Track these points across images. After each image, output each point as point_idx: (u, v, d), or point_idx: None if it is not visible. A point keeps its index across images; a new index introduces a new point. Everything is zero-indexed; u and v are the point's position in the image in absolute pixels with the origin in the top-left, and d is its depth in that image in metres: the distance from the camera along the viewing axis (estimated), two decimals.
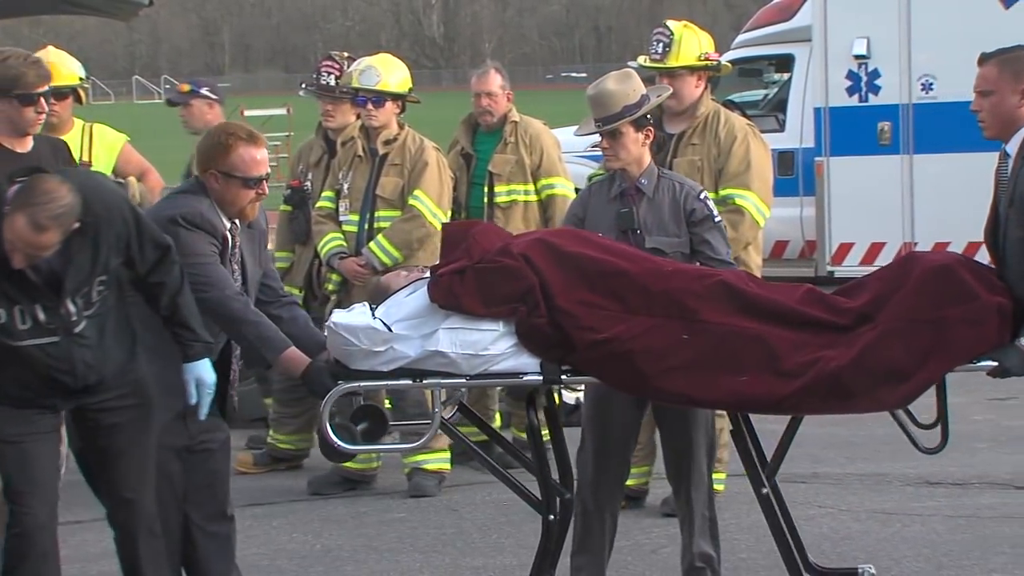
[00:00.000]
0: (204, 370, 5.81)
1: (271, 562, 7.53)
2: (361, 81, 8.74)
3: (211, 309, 5.92)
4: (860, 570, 6.34)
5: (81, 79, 8.74)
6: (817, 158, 14.27)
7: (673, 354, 5.77)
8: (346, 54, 9.41)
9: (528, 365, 5.84)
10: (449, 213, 8.86)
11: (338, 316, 5.86)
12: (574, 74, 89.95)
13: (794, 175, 14.54)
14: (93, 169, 8.22)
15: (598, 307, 5.86)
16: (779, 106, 15.28)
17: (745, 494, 8.33)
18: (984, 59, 5.99)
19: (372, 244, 8.64)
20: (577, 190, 9.12)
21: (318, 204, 9.01)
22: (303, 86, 9.55)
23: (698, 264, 6.60)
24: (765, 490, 6.18)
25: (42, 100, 6.39)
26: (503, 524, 8.00)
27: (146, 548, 5.76)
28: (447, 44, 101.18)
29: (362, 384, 5.83)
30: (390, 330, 5.75)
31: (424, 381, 5.81)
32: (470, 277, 5.76)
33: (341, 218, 8.88)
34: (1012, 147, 5.87)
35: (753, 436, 6.23)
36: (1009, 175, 5.85)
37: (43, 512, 5.69)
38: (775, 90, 15.96)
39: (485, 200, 9.17)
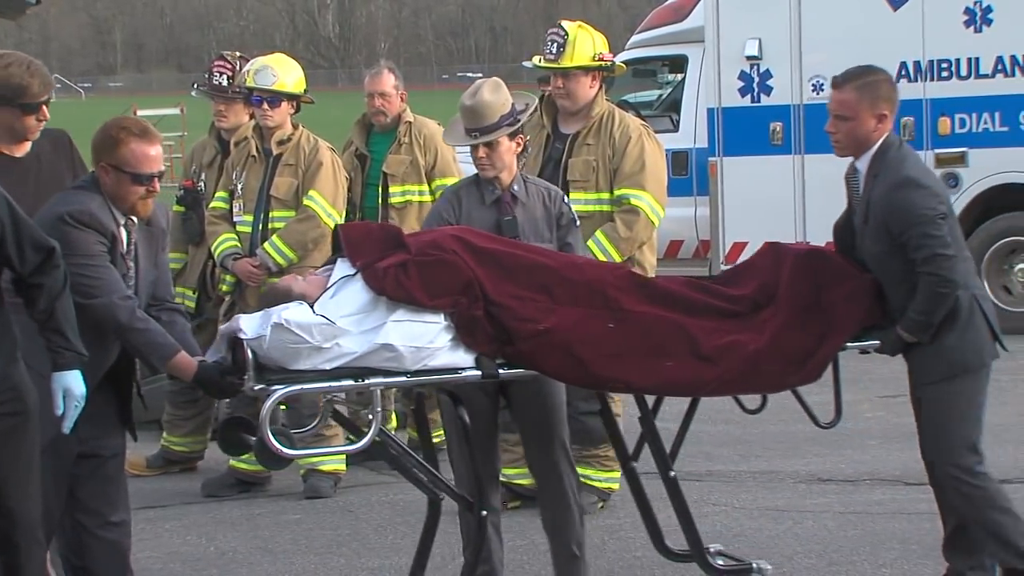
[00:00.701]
0: (73, 381, 5.51)
1: (164, 565, 7.47)
2: (256, 81, 8.68)
3: (97, 315, 5.80)
4: (755, 565, 6.46)
5: None
6: (711, 158, 14.34)
7: (605, 342, 5.91)
8: (239, 54, 9.35)
9: (463, 360, 5.89)
10: (344, 214, 8.83)
11: (288, 313, 5.78)
12: (469, 74, 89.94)
13: (688, 175, 14.61)
14: None
15: (529, 299, 5.98)
16: (673, 106, 15.33)
17: None
18: (840, 83, 6.27)
19: (266, 245, 8.59)
20: None
21: (211, 204, 8.95)
22: (195, 86, 9.48)
23: None
24: (673, 474, 6.37)
25: (44, 108, 6.25)
26: (399, 524, 7.99)
27: (28, 557, 5.65)
28: (342, 44, 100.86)
29: (305, 387, 5.75)
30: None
31: (366, 381, 5.77)
32: (413, 270, 5.81)
33: (235, 219, 8.82)
34: (862, 164, 6.31)
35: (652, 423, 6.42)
36: (861, 192, 6.28)
37: None
38: (669, 91, 15.99)
39: (379, 200, 9.16)
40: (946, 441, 6.21)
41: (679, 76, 15.46)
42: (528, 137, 8.17)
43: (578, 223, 6.84)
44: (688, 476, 8.12)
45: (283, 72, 8.71)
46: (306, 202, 8.64)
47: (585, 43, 8.19)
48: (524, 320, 5.92)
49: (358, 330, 5.78)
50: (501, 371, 5.97)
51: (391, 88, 9.13)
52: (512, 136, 6.70)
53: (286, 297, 5.98)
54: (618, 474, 8.33)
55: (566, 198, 6.91)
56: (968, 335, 6.19)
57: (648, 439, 6.44)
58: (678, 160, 14.24)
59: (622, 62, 8.85)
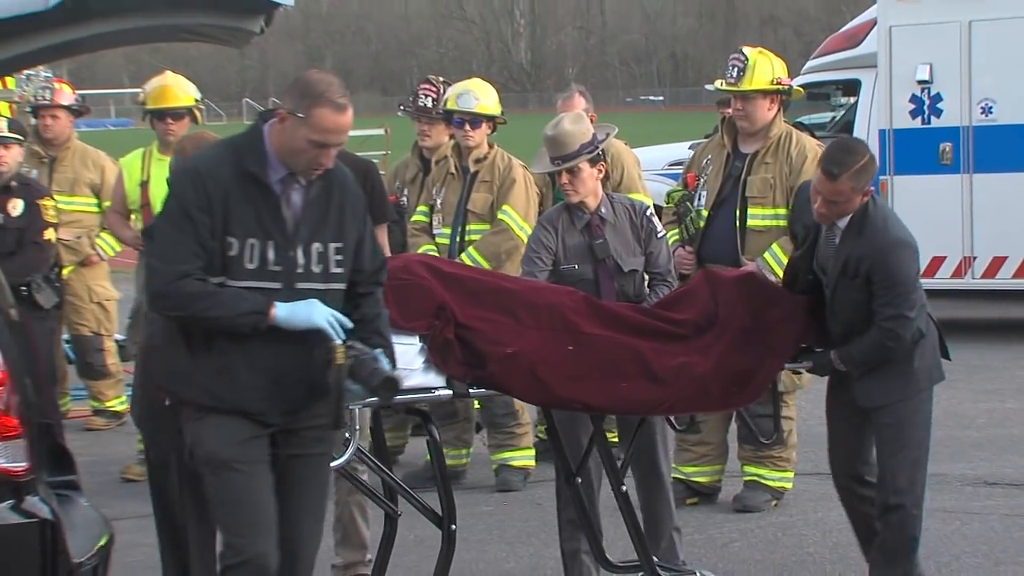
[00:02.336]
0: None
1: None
2: (459, 104, 8.78)
3: None
4: (699, 574, 6.50)
5: (197, 101, 8.83)
6: (882, 176, 14.10)
7: (566, 364, 5.79)
8: (442, 78, 9.43)
9: (436, 380, 5.80)
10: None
11: None
12: (651, 97, 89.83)
13: None
14: None
15: (496, 322, 5.88)
16: (846, 128, 15.14)
17: (811, 492, 8.32)
18: (836, 175, 6.01)
19: (464, 255, 8.65)
20: (656, 207, 9.10)
21: (413, 218, 9.04)
22: (401, 107, 9.58)
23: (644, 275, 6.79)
24: (624, 488, 6.31)
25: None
26: None
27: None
28: (533, 70, 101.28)
29: None
30: None
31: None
32: (388, 294, 5.56)
33: (435, 231, 8.90)
34: (842, 223, 6.16)
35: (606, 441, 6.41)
36: (839, 246, 6.16)
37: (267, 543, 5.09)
38: (842, 113, 15.83)
39: None
40: (895, 464, 6.14)
41: (852, 99, 15.29)
42: (708, 156, 8.16)
43: (660, 234, 6.88)
44: None
45: (483, 95, 8.80)
46: (500, 216, 8.69)
47: (764, 68, 8.13)
48: (494, 343, 5.82)
49: None
50: (471, 390, 5.90)
51: (581, 110, 9.12)
52: (593, 163, 6.72)
53: None
54: (791, 474, 8.26)
55: (650, 210, 6.92)
56: (906, 361, 6.17)
57: (601, 456, 6.36)
58: None
59: (799, 86, 8.77)
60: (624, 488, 6.31)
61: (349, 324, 5.04)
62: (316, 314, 4.96)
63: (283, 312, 4.94)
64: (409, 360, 5.68)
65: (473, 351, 5.79)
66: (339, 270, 5.09)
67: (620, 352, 5.96)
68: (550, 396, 5.93)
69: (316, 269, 5.03)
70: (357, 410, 5.59)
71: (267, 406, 5.04)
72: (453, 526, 5.98)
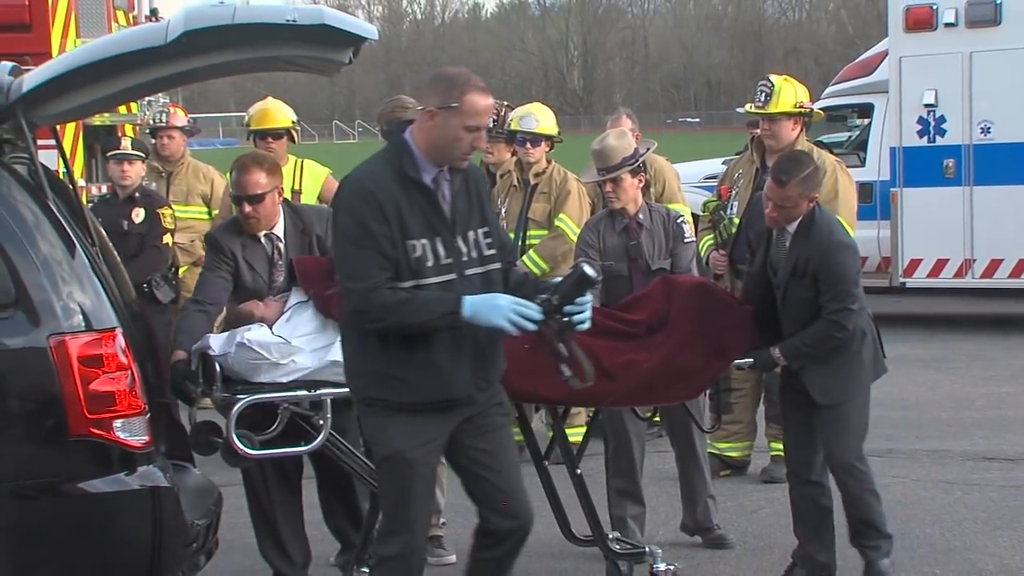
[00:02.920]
0: None
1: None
2: (521, 125, 8.78)
3: None
4: (647, 549, 6.33)
5: (294, 123, 8.86)
6: (892, 188, 14.06)
7: (521, 360, 5.55)
8: (504, 102, 9.44)
9: None
10: None
11: (250, 334, 5.64)
12: (689, 119, 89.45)
13: (873, 203, 14.30)
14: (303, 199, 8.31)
15: None
16: (861, 146, 15.09)
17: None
18: (784, 182, 5.98)
19: (525, 258, 8.64)
20: (694, 215, 9.07)
21: None
22: None
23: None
24: (579, 471, 6.21)
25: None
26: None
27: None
28: (585, 95, 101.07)
29: (265, 397, 5.50)
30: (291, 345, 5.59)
31: (318, 392, 5.55)
32: (336, 301, 5.48)
33: None
34: (791, 228, 6.09)
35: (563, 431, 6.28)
36: (788, 249, 6.09)
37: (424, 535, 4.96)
38: (857, 132, 15.75)
39: None
40: (844, 452, 6.08)
41: (866, 120, 15.22)
42: (740, 170, 8.11)
43: (687, 239, 6.86)
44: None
45: (542, 117, 8.80)
46: (557, 223, 8.68)
47: (789, 93, 8.09)
48: None
49: (310, 348, 5.61)
50: None
51: (628, 130, 9.09)
52: (634, 174, 6.71)
53: (249, 320, 5.84)
54: (749, 442, 8.28)
55: (681, 218, 6.91)
56: (857, 361, 6.10)
57: (558, 441, 6.24)
58: (865, 191, 13.90)
59: (819, 108, 8.70)
60: (579, 471, 6.19)
61: (535, 312, 4.72)
62: (496, 316, 4.67)
63: (468, 312, 4.67)
64: None
65: None
66: (491, 251, 4.90)
67: None
68: (509, 388, 5.59)
69: (474, 255, 4.84)
70: (328, 401, 5.52)
71: (471, 388, 4.82)
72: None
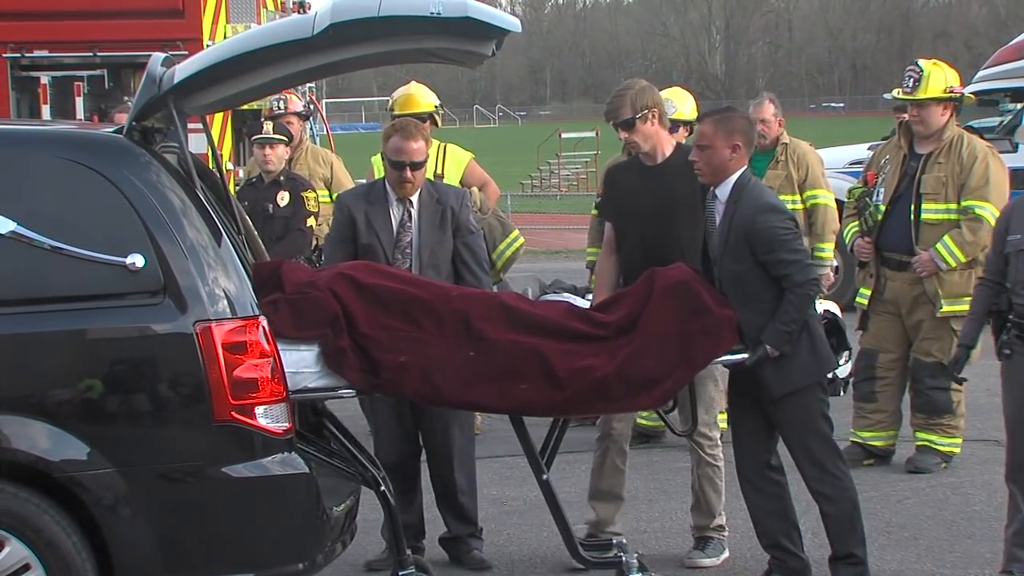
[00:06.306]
0: None
1: (580, 498, 7.53)
2: None
3: None
4: (614, 541, 6.21)
5: (436, 107, 8.89)
6: None
7: (463, 368, 5.47)
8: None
9: (340, 381, 5.51)
10: None
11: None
12: (833, 104, 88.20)
13: None
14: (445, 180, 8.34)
15: (396, 330, 5.57)
16: (1012, 131, 14.71)
17: (978, 456, 8.09)
18: (701, 118, 5.84)
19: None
20: (838, 201, 8.91)
21: None
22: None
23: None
24: (545, 476, 5.96)
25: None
26: None
27: None
28: (727, 79, 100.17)
29: None
30: None
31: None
32: (284, 307, 5.43)
33: None
34: (722, 193, 5.86)
35: (526, 434, 5.93)
36: (722, 219, 5.85)
37: None
38: (1009, 117, 15.35)
39: None
40: (810, 450, 5.84)
41: (1019, 105, 14.83)
42: (886, 156, 7.95)
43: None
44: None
45: (681, 103, 8.70)
46: None
47: (938, 78, 7.92)
48: (388, 351, 5.50)
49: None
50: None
51: (771, 115, 8.98)
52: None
53: None
54: (960, 439, 8.05)
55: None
56: (815, 352, 5.81)
57: (524, 448, 5.95)
58: (1017, 176, 13.56)
59: (970, 93, 8.49)
60: (545, 477, 5.95)
61: None
62: None
63: None
64: (307, 364, 5.45)
65: (369, 359, 5.52)
66: None
67: (521, 355, 5.59)
68: (441, 399, 5.61)
69: None
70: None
71: None
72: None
